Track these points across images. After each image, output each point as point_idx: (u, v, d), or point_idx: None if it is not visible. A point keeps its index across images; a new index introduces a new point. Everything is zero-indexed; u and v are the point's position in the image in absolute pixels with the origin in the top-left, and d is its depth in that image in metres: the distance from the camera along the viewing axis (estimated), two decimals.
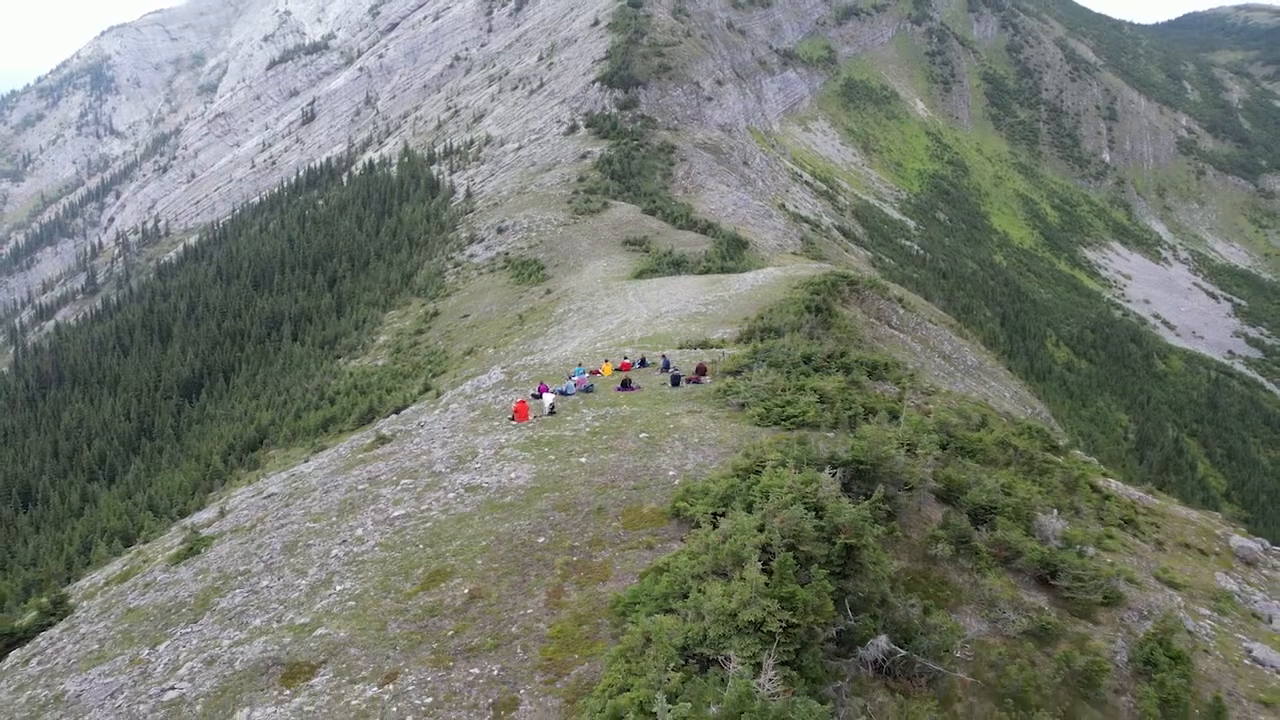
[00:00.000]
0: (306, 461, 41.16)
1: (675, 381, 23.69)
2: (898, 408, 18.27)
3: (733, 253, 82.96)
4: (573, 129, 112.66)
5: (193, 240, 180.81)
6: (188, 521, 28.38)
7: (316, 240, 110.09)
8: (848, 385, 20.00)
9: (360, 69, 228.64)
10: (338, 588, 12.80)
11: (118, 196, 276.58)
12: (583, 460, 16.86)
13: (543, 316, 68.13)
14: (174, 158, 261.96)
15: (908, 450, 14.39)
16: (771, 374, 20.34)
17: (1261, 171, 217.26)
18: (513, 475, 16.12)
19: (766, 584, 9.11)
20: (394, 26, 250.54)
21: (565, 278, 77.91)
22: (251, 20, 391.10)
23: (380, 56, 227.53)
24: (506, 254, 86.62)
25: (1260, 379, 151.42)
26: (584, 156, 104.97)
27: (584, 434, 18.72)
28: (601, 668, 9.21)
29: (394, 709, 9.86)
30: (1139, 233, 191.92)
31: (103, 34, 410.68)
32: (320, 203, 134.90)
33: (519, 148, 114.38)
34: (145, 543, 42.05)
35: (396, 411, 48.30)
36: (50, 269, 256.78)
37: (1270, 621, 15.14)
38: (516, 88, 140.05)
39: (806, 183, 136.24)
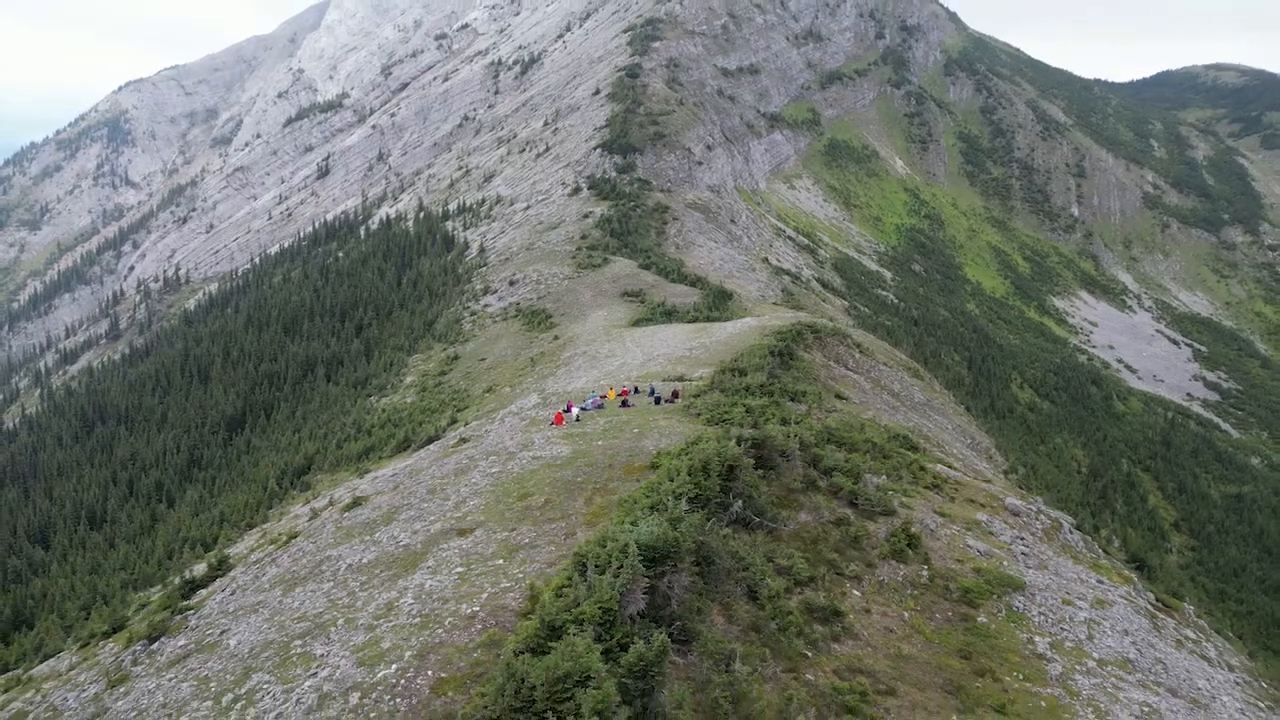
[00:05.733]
0: (362, 477, 51.72)
1: (657, 401, 34.60)
2: (793, 416, 28.99)
3: (718, 303, 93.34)
4: (576, 191, 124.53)
5: (213, 288, 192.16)
6: (308, 509, 38.73)
7: (342, 291, 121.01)
8: (770, 404, 30.70)
9: (373, 127, 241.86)
10: (471, 503, 23.21)
11: (135, 246, 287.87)
12: (599, 443, 27.19)
13: (552, 359, 78.37)
14: (193, 209, 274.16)
15: (785, 435, 25.04)
16: (719, 396, 31.19)
17: (1223, 224, 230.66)
18: (559, 451, 26.69)
19: (689, 479, 19.67)
20: (405, 86, 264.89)
21: (571, 325, 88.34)
22: (264, 76, 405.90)
23: (392, 115, 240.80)
24: (518, 304, 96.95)
25: (1216, 419, 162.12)
26: (586, 216, 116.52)
27: (599, 430, 29.14)
28: (615, 521, 19.70)
29: (517, 537, 20.18)
30: (1106, 282, 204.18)
31: (120, 89, 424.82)
32: (340, 255, 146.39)
33: (527, 207, 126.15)
34: (225, 549, 52.04)
35: (430, 440, 58.61)
36: (68, 315, 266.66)
37: (999, 536, 25.88)
38: (524, 150, 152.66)
39: (789, 238, 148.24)
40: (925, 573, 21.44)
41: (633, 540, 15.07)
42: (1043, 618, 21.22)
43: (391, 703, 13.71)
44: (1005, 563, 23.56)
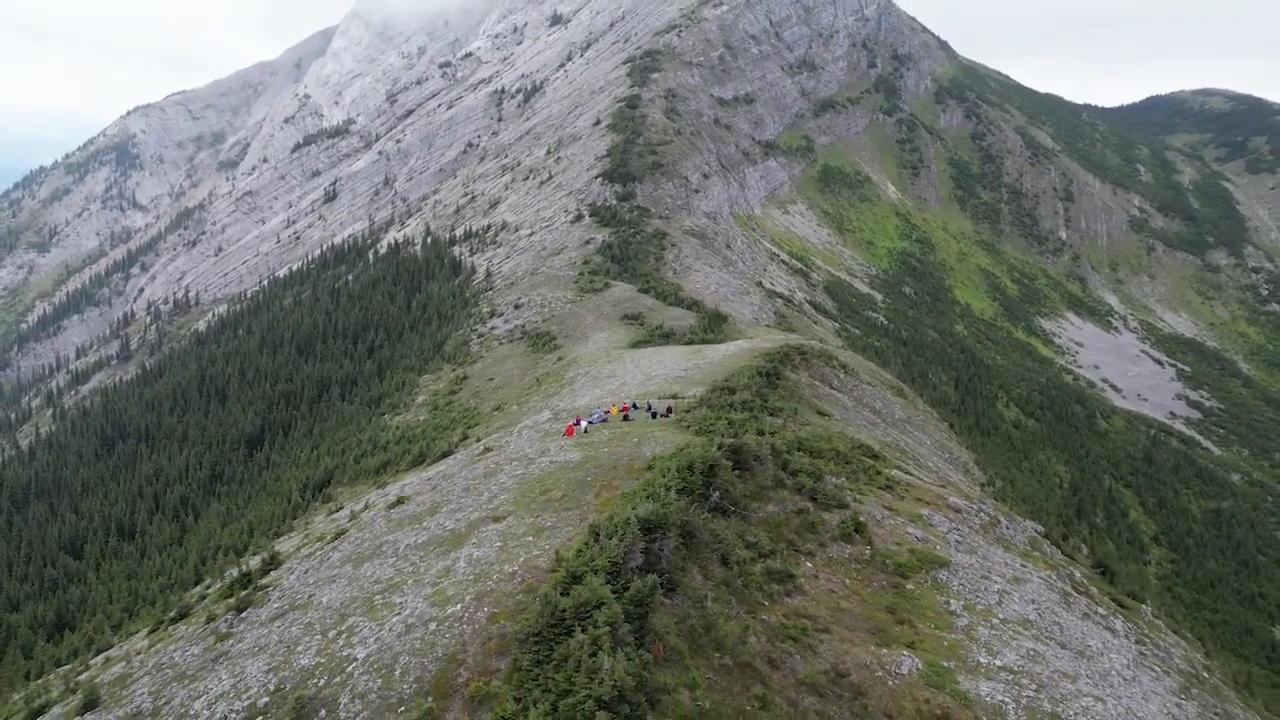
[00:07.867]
0: (383, 489, 56.80)
1: (654, 416, 39.91)
2: (768, 428, 34.29)
3: (713, 326, 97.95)
4: (578, 218, 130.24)
5: (223, 310, 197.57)
6: (346, 511, 43.81)
7: (353, 314, 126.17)
8: (749, 418, 35.97)
9: (379, 152, 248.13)
10: (502, 498, 28.43)
11: (144, 268, 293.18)
12: (605, 450, 32.47)
13: (556, 379, 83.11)
14: (202, 232, 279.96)
15: (758, 443, 30.32)
16: (707, 411, 36.57)
17: (1208, 247, 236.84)
18: (571, 456, 31.98)
19: (677, 475, 24.93)
20: (410, 113, 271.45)
21: (574, 347, 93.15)
22: (270, 101, 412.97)
23: (397, 141, 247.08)
24: (523, 327, 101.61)
25: (1198, 437, 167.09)
26: (588, 242, 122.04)
27: (604, 440, 34.47)
28: (619, 508, 24.89)
29: (541, 521, 25.39)
30: (1092, 304, 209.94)
31: (129, 113, 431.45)
32: (350, 278, 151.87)
33: (531, 233, 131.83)
34: (275, 547, 56.92)
35: (444, 455, 63.54)
36: (77, 336, 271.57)
37: (937, 527, 31.09)
38: (528, 178, 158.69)
39: (783, 262, 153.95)
40: (868, 552, 26.68)
41: (634, 515, 20.29)
42: (961, 587, 26.41)
43: (460, 628, 18.85)
44: (938, 547, 28.76)
